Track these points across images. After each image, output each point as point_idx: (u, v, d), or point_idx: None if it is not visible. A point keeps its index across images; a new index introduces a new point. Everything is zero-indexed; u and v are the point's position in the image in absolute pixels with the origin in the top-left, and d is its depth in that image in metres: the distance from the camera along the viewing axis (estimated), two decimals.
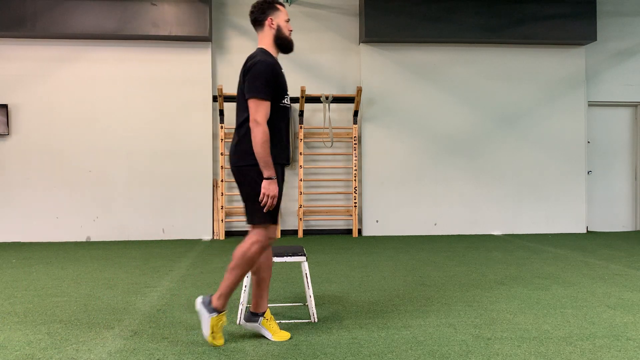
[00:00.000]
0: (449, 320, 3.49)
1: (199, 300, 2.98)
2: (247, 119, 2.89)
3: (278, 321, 3.46)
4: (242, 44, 8.05)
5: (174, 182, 7.81)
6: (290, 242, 7.30)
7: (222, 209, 7.80)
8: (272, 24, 3.00)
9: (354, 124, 8.04)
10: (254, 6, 3.04)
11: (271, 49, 3.02)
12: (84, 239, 7.67)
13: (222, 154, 7.80)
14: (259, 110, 2.82)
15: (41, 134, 7.63)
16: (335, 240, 7.56)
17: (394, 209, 8.14)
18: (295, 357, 2.81)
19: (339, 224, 8.24)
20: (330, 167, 8.18)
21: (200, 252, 6.52)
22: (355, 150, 8.02)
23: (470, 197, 8.23)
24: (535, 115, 8.34)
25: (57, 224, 7.63)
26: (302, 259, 3.48)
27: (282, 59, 8.07)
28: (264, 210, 2.89)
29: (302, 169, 7.95)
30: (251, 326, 3.14)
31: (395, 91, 8.16)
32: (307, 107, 8.02)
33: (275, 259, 3.44)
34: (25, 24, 7.31)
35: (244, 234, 7.98)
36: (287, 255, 3.47)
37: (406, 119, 8.18)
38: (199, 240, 7.68)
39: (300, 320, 3.48)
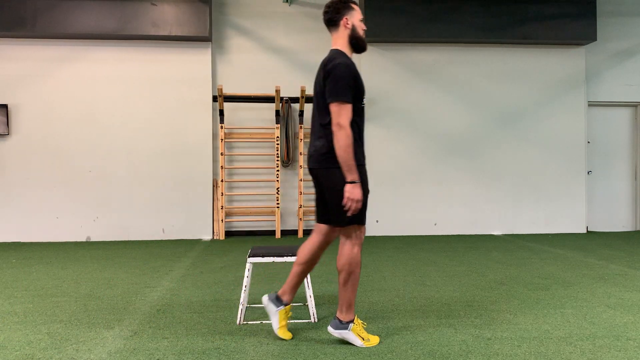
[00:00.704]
0: (449, 320, 3.49)
1: (331, 330, 2.97)
2: (330, 121, 2.86)
3: None
4: (242, 44, 8.06)
5: (174, 182, 7.81)
6: (290, 242, 7.30)
7: (222, 209, 7.80)
8: (348, 23, 2.97)
9: None
10: (328, 6, 3.00)
11: (346, 49, 2.99)
12: (84, 239, 7.67)
13: (222, 154, 7.80)
14: (342, 114, 2.79)
15: (41, 134, 7.63)
16: (335, 240, 7.55)
17: (394, 209, 8.14)
18: (295, 357, 2.81)
19: None
20: None
21: (200, 252, 6.52)
22: None
23: (470, 197, 8.23)
24: (535, 115, 8.34)
25: (57, 224, 7.64)
26: None
27: (282, 59, 8.10)
28: (348, 214, 2.85)
29: (302, 169, 7.95)
30: (268, 308, 3.11)
31: (395, 91, 8.16)
32: (307, 107, 8.02)
33: (275, 259, 3.44)
34: (25, 24, 7.31)
35: (244, 234, 8.01)
36: (287, 255, 3.47)
37: (406, 119, 8.18)
38: (199, 240, 7.68)
39: (300, 320, 3.48)
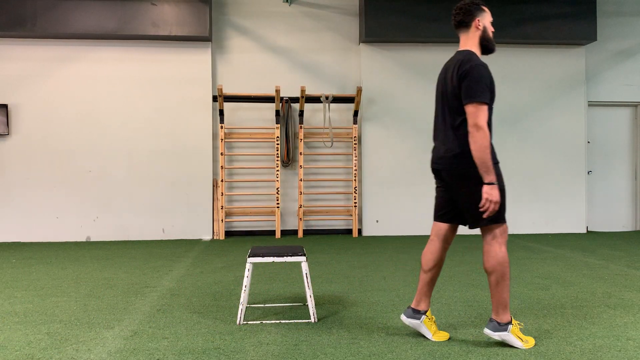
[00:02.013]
0: (449, 320, 3.49)
1: (490, 332, 2.92)
2: (464, 122, 2.87)
3: (277, 321, 3.46)
4: (242, 44, 8.06)
5: (174, 182, 7.81)
6: (290, 242, 7.31)
7: (222, 209, 7.80)
8: (479, 25, 2.98)
9: (354, 124, 8.04)
10: (460, 8, 3.00)
11: (476, 50, 3.00)
12: (84, 239, 7.67)
13: (222, 153, 7.80)
14: (480, 115, 2.79)
15: (41, 134, 7.63)
16: (335, 240, 7.56)
17: (394, 209, 8.14)
18: (295, 357, 2.81)
19: (339, 224, 8.24)
20: (330, 167, 8.18)
21: (200, 252, 6.52)
22: (355, 150, 8.02)
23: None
24: (535, 115, 8.34)
25: (57, 224, 7.64)
26: (302, 259, 3.48)
27: (282, 59, 8.10)
28: (484, 216, 2.84)
29: (302, 169, 7.95)
30: (410, 322, 3.10)
31: (395, 91, 8.16)
32: (307, 107, 8.02)
33: (275, 259, 3.44)
34: (25, 24, 7.31)
35: (244, 234, 8.01)
36: (287, 255, 3.47)
37: (406, 119, 8.18)
38: (199, 240, 7.68)
39: (300, 320, 3.48)
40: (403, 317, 3.13)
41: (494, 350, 2.91)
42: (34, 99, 7.63)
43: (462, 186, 2.92)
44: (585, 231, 8.38)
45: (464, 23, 2.99)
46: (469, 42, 3.01)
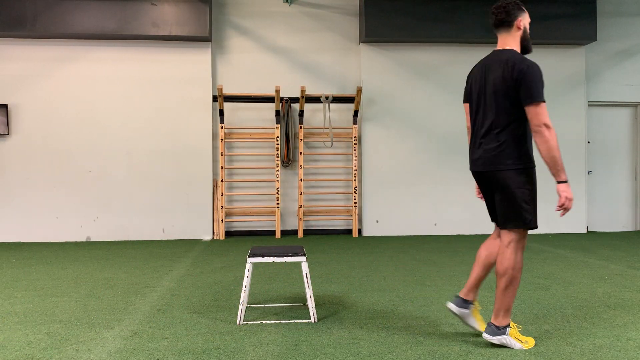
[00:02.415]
0: (449, 320, 3.49)
1: (488, 337, 2.92)
2: (509, 123, 2.87)
3: (277, 321, 3.46)
4: (242, 44, 8.06)
5: (174, 182, 7.81)
6: (290, 242, 7.31)
7: (222, 209, 7.80)
8: (520, 24, 2.98)
9: (354, 124, 8.04)
10: (502, 7, 2.99)
11: (517, 49, 3.00)
12: (84, 239, 7.67)
13: (222, 154, 7.80)
14: (544, 114, 2.79)
15: (41, 134, 7.63)
16: (335, 240, 7.56)
17: (394, 209, 8.14)
18: (295, 357, 2.81)
19: (339, 224, 8.24)
20: (330, 167, 8.18)
21: (200, 252, 6.52)
22: (355, 150, 8.02)
23: (470, 197, 8.23)
24: None
25: (57, 224, 7.63)
26: (302, 259, 3.48)
27: (282, 59, 8.10)
28: (561, 215, 2.90)
29: (302, 169, 7.95)
30: (460, 312, 3.10)
31: (395, 91, 8.16)
32: (307, 107, 8.02)
33: (275, 259, 3.44)
34: (25, 24, 7.31)
35: (244, 234, 8.01)
36: (287, 255, 3.47)
37: (406, 119, 8.18)
38: (199, 240, 7.68)
39: (300, 320, 3.48)
40: (452, 306, 3.09)
41: (494, 350, 2.91)
42: (34, 99, 7.63)
43: (502, 186, 2.91)
44: (585, 231, 8.38)
45: (506, 22, 2.99)
46: (510, 41, 3.00)
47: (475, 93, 3.04)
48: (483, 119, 2.98)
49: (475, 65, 3.09)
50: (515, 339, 2.93)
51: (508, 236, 2.92)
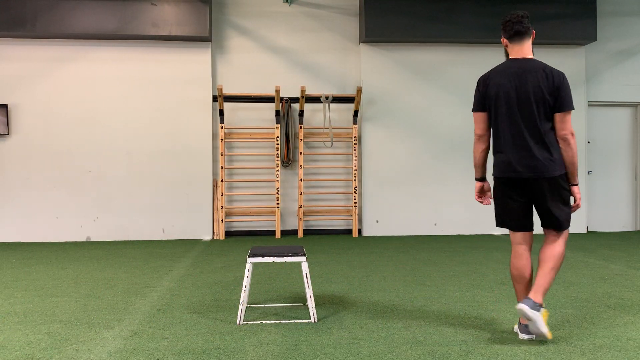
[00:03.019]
0: (449, 320, 3.49)
1: (525, 307, 2.90)
2: (549, 130, 3.03)
3: (277, 321, 3.46)
4: (242, 44, 8.06)
5: (174, 182, 7.81)
6: (290, 242, 7.31)
7: (222, 209, 7.80)
8: (533, 34, 3.15)
9: (354, 124, 8.04)
10: (525, 17, 3.09)
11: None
12: (84, 239, 7.67)
13: (222, 154, 7.80)
14: (570, 122, 3.03)
15: (41, 134, 7.63)
16: (335, 240, 7.56)
17: (394, 209, 8.14)
18: (295, 357, 2.81)
19: (339, 224, 8.23)
20: (330, 167, 8.18)
21: (200, 252, 6.52)
22: (355, 150, 8.02)
23: (470, 197, 8.21)
24: None
25: (57, 224, 7.63)
26: (302, 259, 3.48)
27: (282, 59, 8.10)
28: (572, 211, 3.14)
29: (302, 169, 7.95)
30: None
31: (395, 91, 8.16)
32: (307, 107, 8.02)
33: (275, 259, 3.44)
34: (25, 24, 7.30)
35: (244, 234, 8.02)
36: (287, 255, 3.47)
37: (406, 119, 8.18)
38: (199, 240, 7.68)
39: (300, 320, 3.48)
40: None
41: (494, 350, 2.91)
42: (34, 99, 7.62)
43: (557, 192, 3.06)
44: (585, 231, 8.38)
45: (530, 32, 3.11)
46: (527, 50, 3.12)
47: (504, 100, 3.06)
48: (521, 126, 3.04)
49: (495, 73, 3.11)
50: (545, 321, 2.95)
51: (562, 236, 3.14)
